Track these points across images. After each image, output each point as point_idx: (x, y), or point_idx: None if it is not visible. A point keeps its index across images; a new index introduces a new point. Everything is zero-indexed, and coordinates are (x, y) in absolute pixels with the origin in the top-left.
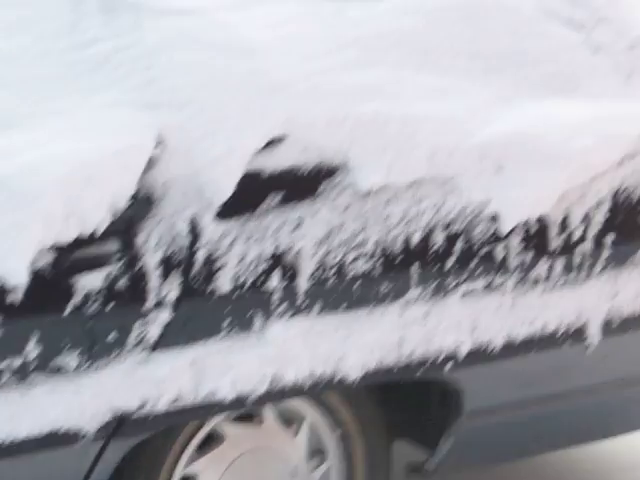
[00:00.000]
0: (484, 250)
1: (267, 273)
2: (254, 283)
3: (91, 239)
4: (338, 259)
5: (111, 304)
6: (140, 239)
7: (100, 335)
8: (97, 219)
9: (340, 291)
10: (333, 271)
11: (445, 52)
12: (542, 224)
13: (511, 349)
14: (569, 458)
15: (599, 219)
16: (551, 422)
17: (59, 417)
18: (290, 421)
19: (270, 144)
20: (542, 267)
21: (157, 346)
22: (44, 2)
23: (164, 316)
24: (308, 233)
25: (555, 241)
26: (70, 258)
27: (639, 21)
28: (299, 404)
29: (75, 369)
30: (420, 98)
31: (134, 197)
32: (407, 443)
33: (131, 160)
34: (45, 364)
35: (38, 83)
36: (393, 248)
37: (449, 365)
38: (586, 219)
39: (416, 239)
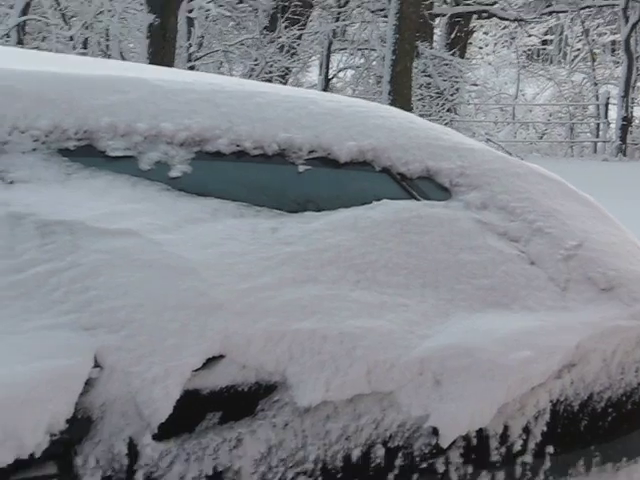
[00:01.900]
0: (424, 464)
1: None
2: None
3: (29, 462)
4: (278, 477)
5: None
6: (79, 461)
7: None
8: (34, 442)
9: None
10: None
11: (381, 267)
12: (482, 437)
13: None
14: None
15: (539, 430)
16: None
17: None
18: None
19: (208, 363)
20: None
21: None
22: None
23: None
24: (247, 452)
25: (495, 453)
26: None
27: (573, 232)
28: None
29: None
30: (357, 314)
31: (72, 419)
32: None
33: (68, 382)
34: None
35: None
36: (333, 464)
37: None
38: (526, 431)
39: (356, 455)
